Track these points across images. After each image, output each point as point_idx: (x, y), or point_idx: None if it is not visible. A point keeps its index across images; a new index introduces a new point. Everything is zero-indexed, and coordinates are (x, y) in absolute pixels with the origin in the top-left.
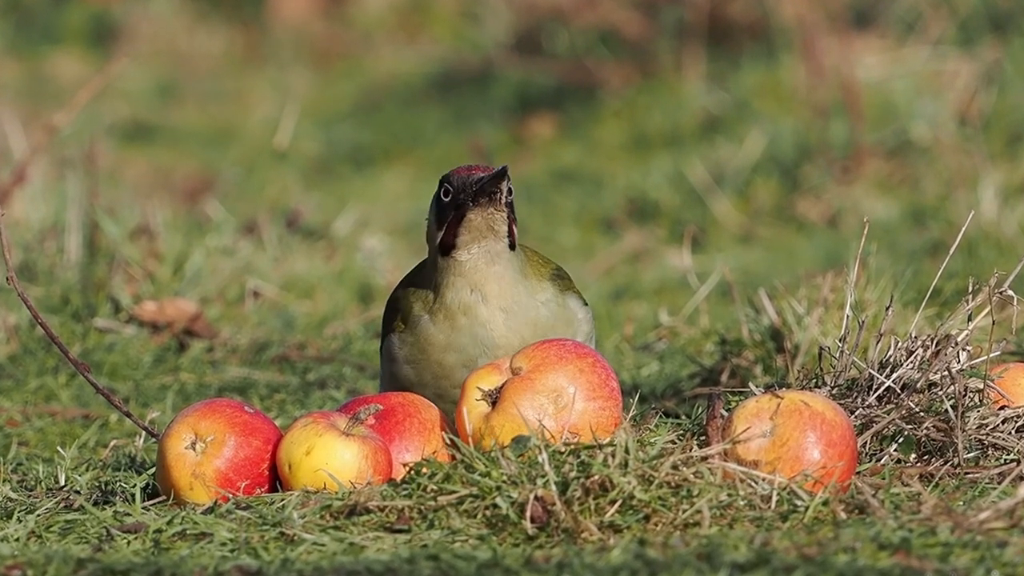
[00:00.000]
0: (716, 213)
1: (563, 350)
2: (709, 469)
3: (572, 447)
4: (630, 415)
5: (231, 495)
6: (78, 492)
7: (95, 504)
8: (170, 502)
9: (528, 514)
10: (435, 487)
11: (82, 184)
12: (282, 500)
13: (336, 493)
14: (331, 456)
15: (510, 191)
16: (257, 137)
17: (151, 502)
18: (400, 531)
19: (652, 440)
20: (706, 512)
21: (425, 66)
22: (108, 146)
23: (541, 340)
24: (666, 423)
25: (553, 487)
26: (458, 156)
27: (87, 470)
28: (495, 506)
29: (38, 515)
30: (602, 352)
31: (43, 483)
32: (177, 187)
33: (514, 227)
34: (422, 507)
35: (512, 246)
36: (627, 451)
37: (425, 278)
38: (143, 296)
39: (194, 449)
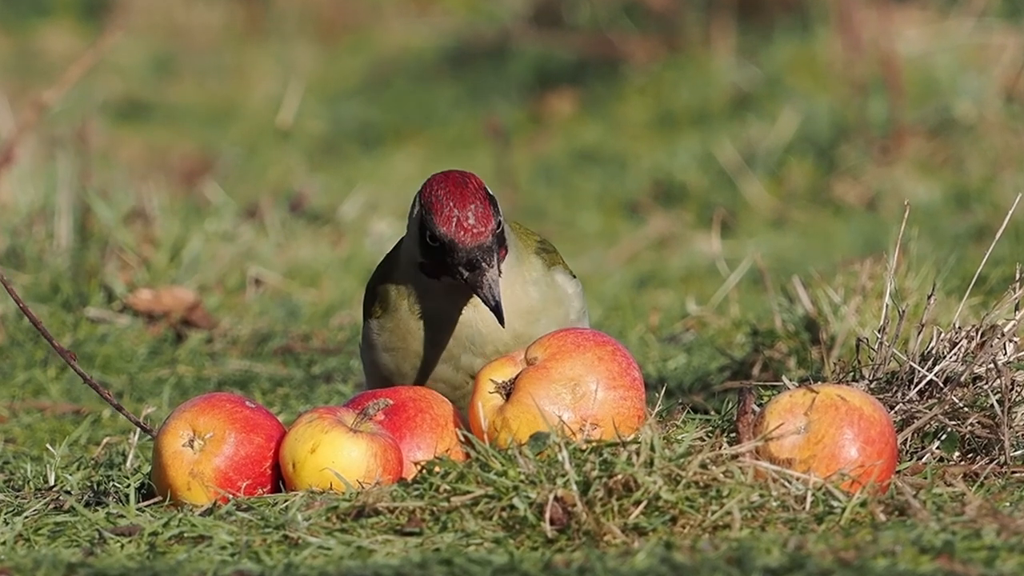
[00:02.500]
0: (747, 196)
1: (580, 338)
2: (740, 468)
3: (594, 444)
4: (656, 410)
5: (231, 495)
6: (69, 492)
7: (86, 505)
8: (166, 503)
9: (547, 516)
10: (448, 487)
11: (73, 165)
12: (285, 501)
13: (343, 493)
14: (338, 454)
15: (499, 224)
16: (259, 115)
17: (146, 503)
18: (411, 534)
19: (679, 437)
20: (736, 514)
21: (438, 40)
22: (101, 125)
23: (557, 329)
24: (694, 419)
25: (574, 487)
26: (473, 135)
27: (78, 469)
28: (512, 507)
29: (26, 517)
30: (626, 344)
31: (31, 483)
32: (174, 168)
33: (503, 251)
34: (434, 508)
35: (499, 268)
36: (653, 449)
37: (406, 262)
38: (138, 284)
39: (192, 447)
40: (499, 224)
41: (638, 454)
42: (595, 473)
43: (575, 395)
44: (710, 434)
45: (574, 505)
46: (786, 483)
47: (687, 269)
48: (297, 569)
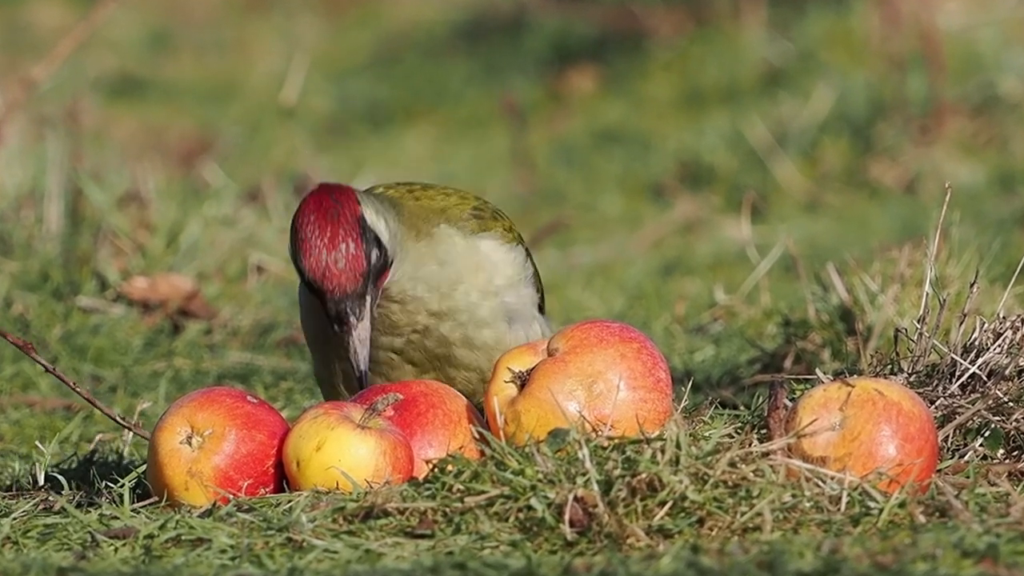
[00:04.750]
0: (778, 178)
1: (605, 332)
2: (771, 466)
3: (616, 442)
4: (681, 405)
5: (232, 496)
6: (59, 493)
7: (78, 506)
8: (163, 504)
9: (567, 517)
10: (462, 487)
11: (64, 145)
12: (289, 501)
13: (350, 493)
14: (345, 452)
15: (373, 261)
16: (261, 93)
17: (141, 504)
18: (422, 536)
19: (707, 434)
20: (767, 515)
21: (450, 13)
22: (93, 102)
23: (582, 320)
24: (722, 415)
25: (595, 486)
26: (487, 114)
27: (69, 468)
28: (529, 508)
29: (14, 518)
30: (650, 335)
31: (20, 482)
32: (171, 149)
33: (384, 275)
34: (447, 509)
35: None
36: (678, 446)
37: None
38: (132, 272)
39: (190, 444)
40: (373, 261)
41: (663, 452)
42: (617, 472)
43: (590, 393)
44: (739, 431)
45: (595, 506)
46: (820, 483)
47: (715, 256)
48: (301, 573)
